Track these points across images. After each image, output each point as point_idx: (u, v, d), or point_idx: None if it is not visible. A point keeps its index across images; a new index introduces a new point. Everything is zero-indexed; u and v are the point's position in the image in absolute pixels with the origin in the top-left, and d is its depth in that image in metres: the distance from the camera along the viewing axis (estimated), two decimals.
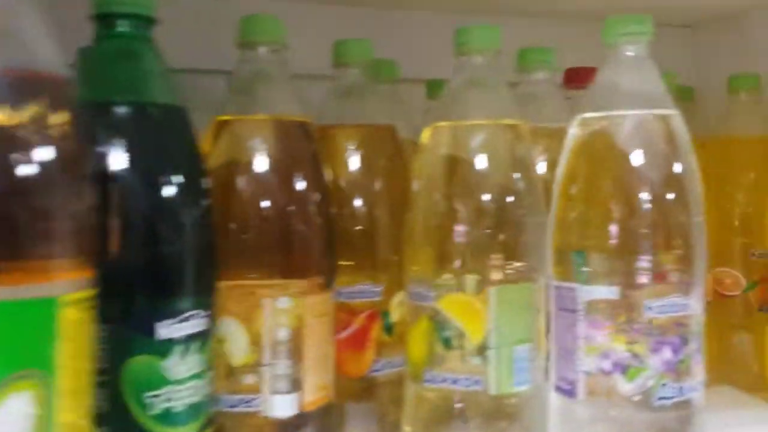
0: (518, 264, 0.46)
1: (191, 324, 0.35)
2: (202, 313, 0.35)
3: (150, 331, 0.33)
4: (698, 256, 0.45)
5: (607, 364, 0.43)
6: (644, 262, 0.43)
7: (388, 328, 0.50)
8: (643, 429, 0.43)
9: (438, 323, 0.45)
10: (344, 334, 0.49)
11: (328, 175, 0.48)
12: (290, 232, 0.42)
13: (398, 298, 0.49)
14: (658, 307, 0.43)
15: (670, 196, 0.45)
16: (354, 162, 0.50)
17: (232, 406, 0.40)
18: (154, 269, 0.34)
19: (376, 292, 0.49)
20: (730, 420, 0.64)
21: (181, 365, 0.34)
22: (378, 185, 0.50)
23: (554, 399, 0.46)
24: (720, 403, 0.68)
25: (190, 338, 0.35)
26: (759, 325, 0.70)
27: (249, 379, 0.41)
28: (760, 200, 0.68)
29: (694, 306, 0.44)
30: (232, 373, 0.41)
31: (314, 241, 0.42)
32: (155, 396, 0.34)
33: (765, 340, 0.68)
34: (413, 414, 0.47)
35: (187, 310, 0.35)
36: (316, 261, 0.43)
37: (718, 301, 0.72)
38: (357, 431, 0.49)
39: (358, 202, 0.50)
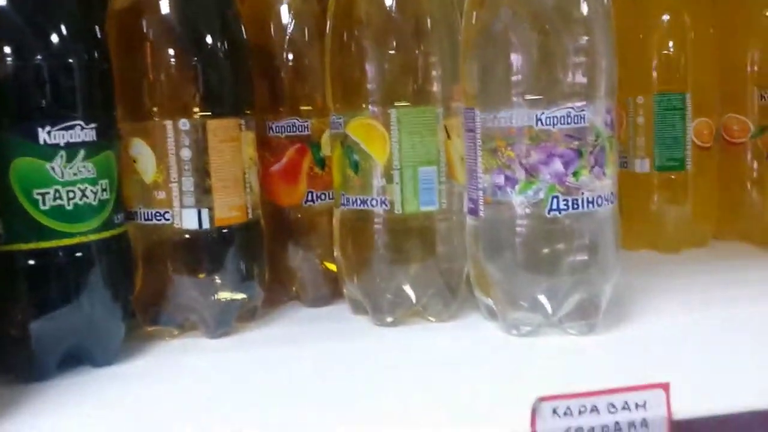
0: (421, 88, 0.47)
1: (74, 133, 0.39)
2: (86, 125, 0.40)
3: (35, 137, 0.38)
4: (596, 69, 0.43)
5: (500, 179, 0.44)
6: (536, 75, 0.43)
7: (320, 162, 0.52)
8: (536, 239, 0.44)
9: (348, 148, 0.47)
10: (277, 167, 0.52)
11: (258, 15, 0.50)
12: (184, 68, 0.45)
13: (328, 133, 0.52)
14: (547, 118, 0.42)
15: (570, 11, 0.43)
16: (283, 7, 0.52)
17: (148, 219, 0.45)
18: (38, 82, 0.38)
19: (304, 126, 0.52)
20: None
21: (66, 168, 0.39)
22: (307, 26, 0.52)
23: (467, 221, 0.47)
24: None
25: (74, 146, 0.39)
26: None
27: (161, 195, 0.45)
28: None
29: (589, 119, 0.43)
30: (146, 189, 0.45)
31: (210, 74, 0.45)
32: (43, 193, 0.39)
33: None
34: (338, 238, 0.50)
35: (70, 120, 0.39)
36: (217, 91, 0.46)
37: (726, 150, 0.68)
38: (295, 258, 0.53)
39: (286, 43, 0.52)
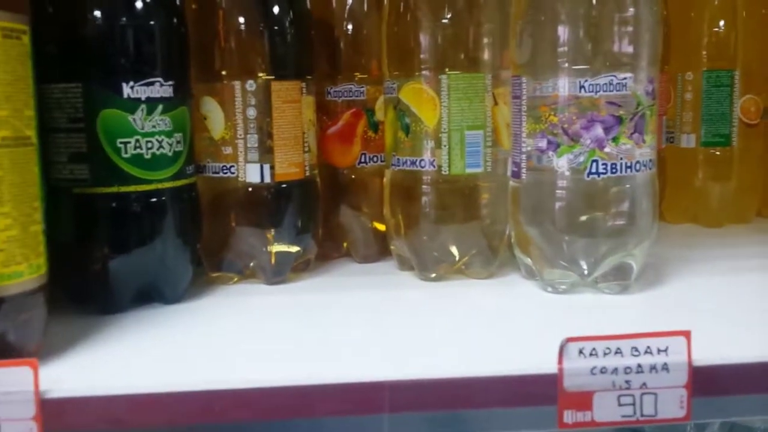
0: (470, 56, 0.49)
1: (154, 89, 0.43)
2: (164, 82, 0.44)
3: (119, 91, 0.43)
4: (641, 40, 0.45)
5: (542, 143, 0.46)
6: (582, 45, 0.45)
7: (374, 126, 0.56)
8: (575, 202, 0.46)
9: (400, 112, 0.51)
10: (333, 129, 0.56)
11: None
12: (253, 35, 0.49)
13: (382, 99, 0.55)
14: (590, 86, 0.44)
15: None
16: None
17: (215, 173, 0.50)
18: (123, 41, 0.43)
19: (360, 92, 0.55)
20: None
21: (146, 121, 0.43)
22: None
23: (510, 184, 0.50)
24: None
25: (153, 101, 0.43)
26: None
27: (227, 150, 0.49)
28: None
29: (631, 86, 0.45)
30: (214, 144, 0.49)
31: (276, 40, 0.49)
32: (125, 142, 0.43)
33: None
34: (388, 197, 0.53)
35: (150, 77, 0.43)
36: (281, 56, 0.49)
37: (745, 132, 0.69)
38: (348, 216, 0.57)
39: (346, 13, 0.55)
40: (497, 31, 0.50)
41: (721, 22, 0.66)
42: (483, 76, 0.50)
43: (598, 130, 0.45)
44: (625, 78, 0.45)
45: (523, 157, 0.48)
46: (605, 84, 0.45)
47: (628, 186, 0.46)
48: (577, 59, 0.45)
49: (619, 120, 0.45)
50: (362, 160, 0.56)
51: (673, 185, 0.69)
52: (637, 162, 0.46)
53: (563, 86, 0.45)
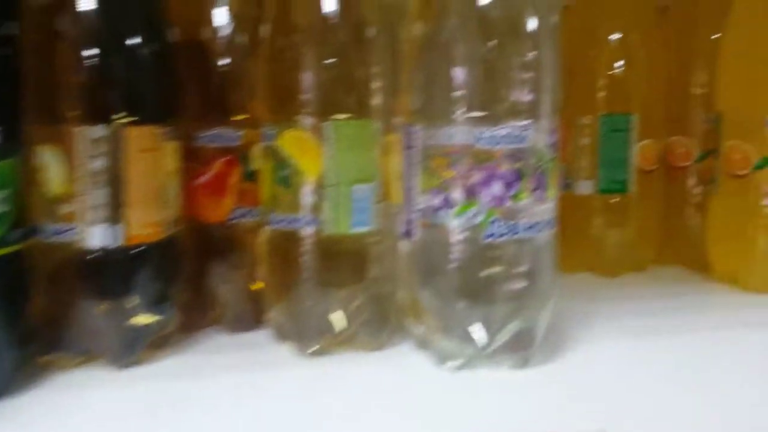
0: (359, 101, 0.44)
1: None
2: None
3: None
4: (541, 87, 0.41)
5: (437, 200, 0.41)
6: (479, 91, 0.41)
7: (249, 176, 0.49)
8: (471, 265, 0.41)
9: (279, 162, 0.44)
10: (202, 180, 0.48)
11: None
12: (102, 70, 0.41)
13: (260, 146, 0.49)
14: (489, 137, 0.40)
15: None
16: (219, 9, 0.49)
17: (52, 236, 0.41)
18: None
19: (234, 137, 0.48)
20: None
21: None
22: (244, 30, 0.49)
23: (401, 244, 0.44)
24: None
25: None
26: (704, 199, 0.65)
27: (68, 209, 0.41)
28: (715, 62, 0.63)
29: (533, 138, 0.41)
30: (51, 202, 0.41)
31: (131, 77, 0.41)
32: None
33: (708, 217, 0.64)
34: (264, 259, 0.47)
35: None
36: (137, 96, 0.42)
37: (669, 173, 0.68)
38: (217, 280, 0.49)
39: (220, 47, 0.48)
40: (389, 73, 0.45)
41: (618, 64, 0.64)
42: (373, 123, 0.44)
43: (498, 187, 0.41)
44: (526, 128, 0.41)
45: (416, 214, 0.42)
46: (505, 135, 0.40)
47: (529, 247, 0.42)
48: (474, 107, 0.40)
49: (520, 175, 0.41)
50: (236, 214, 0.49)
51: (570, 233, 0.66)
52: (539, 221, 0.42)
53: (459, 136, 0.41)
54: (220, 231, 0.49)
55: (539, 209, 0.41)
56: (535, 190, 0.41)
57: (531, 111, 0.41)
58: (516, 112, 0.41)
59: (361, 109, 0.44)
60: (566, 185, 0.66)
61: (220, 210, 0.49)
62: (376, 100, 0.44)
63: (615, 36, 0.64)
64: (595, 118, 0.64)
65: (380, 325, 0.45)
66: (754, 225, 0.59)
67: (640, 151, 0.65)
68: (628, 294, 0.60)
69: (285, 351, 0.45)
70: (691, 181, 0.67)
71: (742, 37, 0.60)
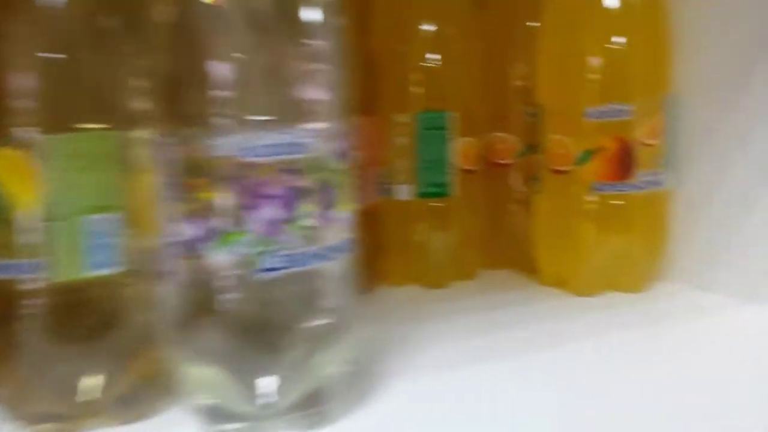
0: (91, 107, 0.34)
1: None
2: None
3: None
4: (325, 84, 0.33)
5: (199, 230, 0.33)
6: (245, 90, 0.32)
7: None
8: (244, 304, 0.33)
9: None
10: None
11: None
12: None
13: None
14: (254, 148, 0.32)
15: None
16: None
17: None
18: None
19: None
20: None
21: None
22: None
23: (159, 286, 0.35)
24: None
25: None
26: (529, 197, 0.61)
27: None
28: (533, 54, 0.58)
29: (314, 147, 0.33)
30: None
31: None
32: None
33: (533, 217, 0.60)
34: None
35: None
36: None
37: (492, 172, 0.63)
38: None
39: None
40: (131, 69, 0.35)
41: (434, 57, 0.58)
42: (115, 137, 0.34)
43: (270, 210, 0.32)
44: (304, 135, 0.32)
45: (175, 248, 0.33)
46: (277, 144, 0.32)
47: (318, 279, 0.34)
48: (237, 110, 0.32)
49: (299, 193, 0.33)
50: None
51: (392, 243, 0.59)
52: (328, 247, 0.34)
53: (220, 148, 0.32)
54: None
55: (328, 233, 0.34)
56: (321, 209, 0.33)
57: (310, 114, 0.33)
58: (291, 115, 0.32)
59: (98, 117, 0.34)
60: (385, 190, 0.59)
61: None
62: (122, 105, 0.35)
63: (427, 26, 0.58)
64: (413, 115, 0.58)
65: (138, 389, 0.36)
66: (578, 224, 0.55)
67: (460, 150, 0.59)
68: (455, 308, 0.54)
69: None
70: (515, 179, 0.63)
71: (558, 27, 0.56)
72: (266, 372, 0.33)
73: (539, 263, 0.59)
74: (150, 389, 0.36)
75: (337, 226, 0.34)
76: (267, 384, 0.33)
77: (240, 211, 0.31)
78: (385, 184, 0.58)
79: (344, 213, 0.34)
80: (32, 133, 0.33)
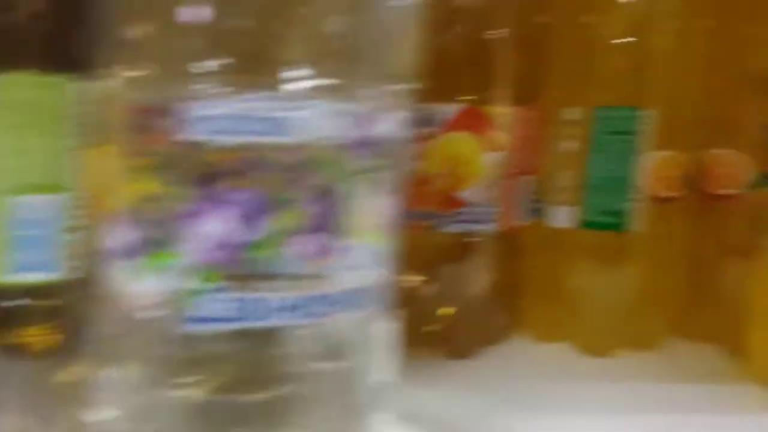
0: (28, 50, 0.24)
1: None
2: None
3: None
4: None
5: (122, 238, 0.22)
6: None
7: None
8: (164, 373, 0.21)
9: None
10: None
11: None
12: None
13: None
14: (204, 120, 0.20)
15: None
16: None
17: None
18: None
19: None
20: None
21: None
22: None
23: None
24: None
25: None
26: None
27: None
28: None
29: (309, 126, 0.20)
30: None
31: None
32: None
33: (755, 276, 0.41)
34: None
35: None
36: None
37: (700, 204, 0.45)
38: None
39: None
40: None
41: (635, 33, 0.42)
42: (63, 89, 0.25)
43: (221, 222, 0.20)
44: (291, 107, 0.20)
45: (106, 257, 0.23)
46: (248, 118, 0.20)
47: (284, 344, 0.21)
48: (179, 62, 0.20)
49: (276, 200, 0.20)
50: None
51: (537, 283, 0.44)
52: (326, 297, 0.21)
53: (167, 119, 0.20)
54: None
55: (322, 269, 0.21)
56: (313, 232, 0.21)
57: (306, 64, 0.20)
58: (272, 67, 0.20)
59: (33, 60, 0.24)
60: (535, 211, 0.44)
61: None
62: (76, 51, 0.25)
63: None
64: (588, 110, 0.42)
65: None
66: None
67: (655, 168, 0.42)
68: (617, 390, 0.38)
69: None
70: (738, 219, 0.44)
71: None
72: None
73: (751, 344, 0.40)
74: None
75: (343, 262, 0.21)
76: None
77: (172, 219, 0.20)
78: (537, 203, 0.44)
79: (363, 243, 0.21)
80: None
